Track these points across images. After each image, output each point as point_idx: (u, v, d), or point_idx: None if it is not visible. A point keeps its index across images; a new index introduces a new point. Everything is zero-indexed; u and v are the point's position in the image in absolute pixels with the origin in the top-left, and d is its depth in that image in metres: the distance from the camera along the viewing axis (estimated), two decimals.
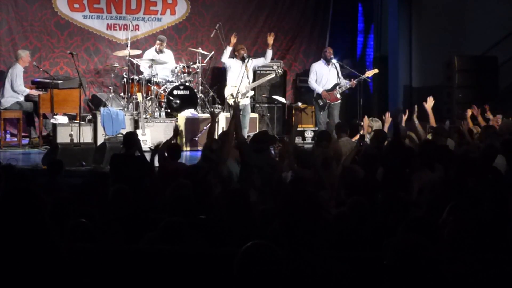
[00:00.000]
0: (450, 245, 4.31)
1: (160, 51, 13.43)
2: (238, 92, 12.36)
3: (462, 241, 4.32)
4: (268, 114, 14.10)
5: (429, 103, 10.42)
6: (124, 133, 10.68)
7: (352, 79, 12.82)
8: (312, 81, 12.93)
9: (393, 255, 3.24)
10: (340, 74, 12.91)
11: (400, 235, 4.09)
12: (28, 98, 12.54)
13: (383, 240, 4.39)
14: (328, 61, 12.87)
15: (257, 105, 14.06)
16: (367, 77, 12.81)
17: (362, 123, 10.46)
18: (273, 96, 14.00)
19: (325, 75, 12.89)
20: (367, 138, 9.71)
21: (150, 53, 13.46)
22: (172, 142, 8.79)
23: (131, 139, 8.56)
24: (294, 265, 3.66)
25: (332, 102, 12.79)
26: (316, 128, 13.31)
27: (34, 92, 12.54)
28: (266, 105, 14.20)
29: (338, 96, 12.83)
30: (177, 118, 12.91)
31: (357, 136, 10.01)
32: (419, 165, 7.63)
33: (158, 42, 13.43)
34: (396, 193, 5.89)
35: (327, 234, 5.32)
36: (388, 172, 7.60)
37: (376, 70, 12.95)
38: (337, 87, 12.80)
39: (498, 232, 5.18)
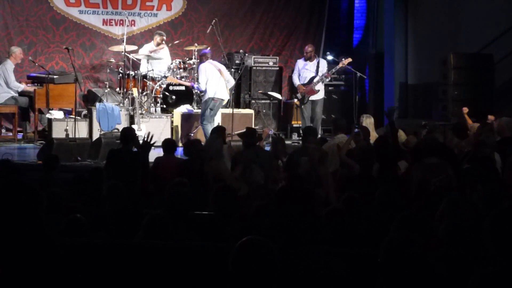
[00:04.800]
0: (445, 241, 4.31)
1: (159, 46, 13.38)
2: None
3: (458, 237, 4.33)
4: (264, 111, 14.09)
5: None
6: (119, 128, 10.65)
7: (327, 71, 12.84)
8: (294, 77, 13.07)
9: (385, 253, 3.25)
10: (320, 68, 12.89)
11: (392, 232, 4.09)
12: (23, 93, 12.53)
13: (379, 236, 4.39)
14: (308, 60, 12.93)
15: (253, 101, 14.05)
16: (346, 66, 12.81)
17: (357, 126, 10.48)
18: (268, 92, 13.99)
19: (305, 71, 12.94)
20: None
21: (148, 47, 13.42)
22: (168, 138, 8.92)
23: (129, 134, 8.54)
24: (288, 261, 3.66)
25: (308, 95, 12.77)
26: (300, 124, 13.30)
27: (29, 88, 12.54)
28: (262, 101, 14.18)
29: (316, 88, 12.79)
30: (172, 114, 12.90)
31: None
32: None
33: (159, 37, 13.35)
34: (391, 189, 5.91)
35: (322, 230, 5.33)
36: (384, 168, 7.62)
37: (349, 59, 12.91)
38: (314, 80, 12.80)
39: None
